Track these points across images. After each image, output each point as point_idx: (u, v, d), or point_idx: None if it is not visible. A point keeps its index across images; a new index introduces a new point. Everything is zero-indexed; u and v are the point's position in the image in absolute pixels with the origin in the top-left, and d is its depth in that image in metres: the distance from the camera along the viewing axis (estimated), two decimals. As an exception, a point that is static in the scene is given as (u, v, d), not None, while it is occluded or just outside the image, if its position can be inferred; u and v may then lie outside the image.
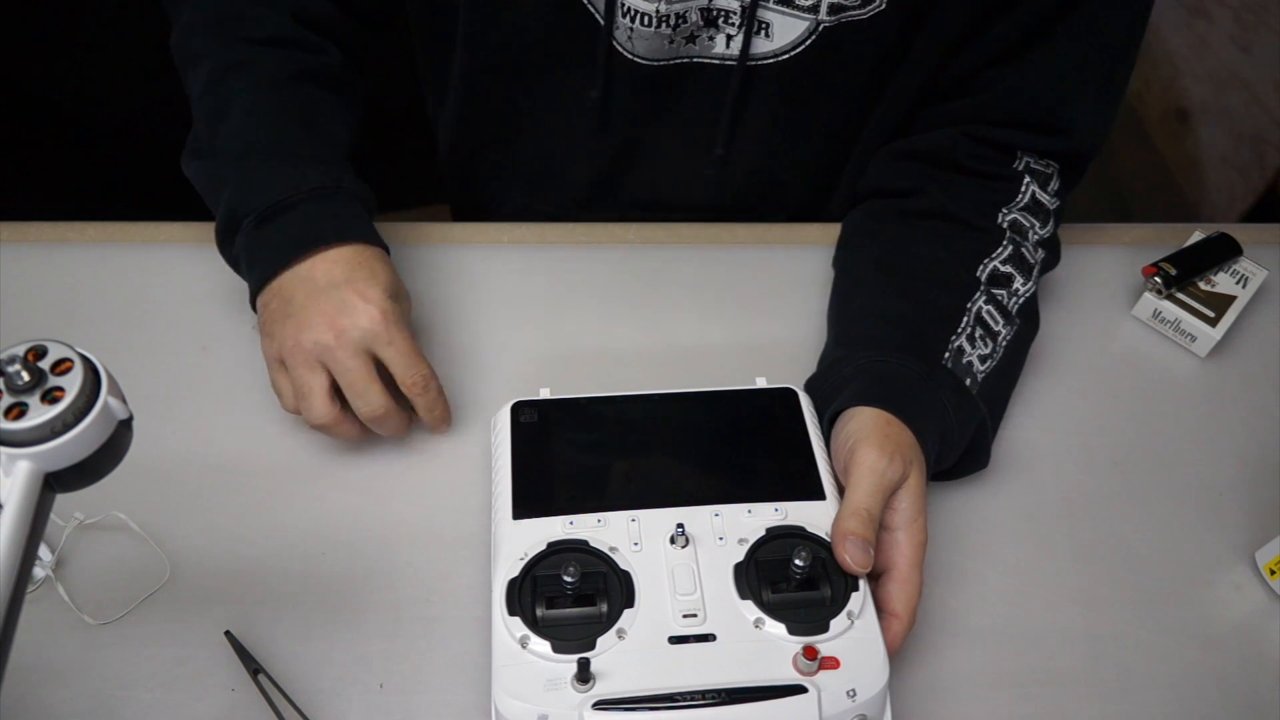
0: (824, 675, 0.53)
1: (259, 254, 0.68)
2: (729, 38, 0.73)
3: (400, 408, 0.67)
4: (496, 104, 0.83)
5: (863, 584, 0.57)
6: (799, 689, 0.52)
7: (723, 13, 0.71)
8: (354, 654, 0.62)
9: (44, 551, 0.64)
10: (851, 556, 0.56)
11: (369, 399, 0.65)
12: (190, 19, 0.75)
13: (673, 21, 0.71)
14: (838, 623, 0.55)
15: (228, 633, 0.62)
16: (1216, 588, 0.68)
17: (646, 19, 0.71)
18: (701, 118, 0.78)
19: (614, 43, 0.74)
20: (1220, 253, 0.81)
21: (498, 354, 0.76)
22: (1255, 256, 0.82)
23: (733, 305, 0.80)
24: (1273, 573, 0.67)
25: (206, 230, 0.82)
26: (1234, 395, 0.77)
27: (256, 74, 0.72)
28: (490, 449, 0.65)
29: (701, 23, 0.72)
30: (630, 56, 0.74)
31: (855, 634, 0.55)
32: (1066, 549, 0.69)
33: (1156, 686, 0.63)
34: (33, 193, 1.35)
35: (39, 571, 0.63)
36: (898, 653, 0.58)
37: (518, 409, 0.65)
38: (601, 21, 0.72)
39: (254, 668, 0.60)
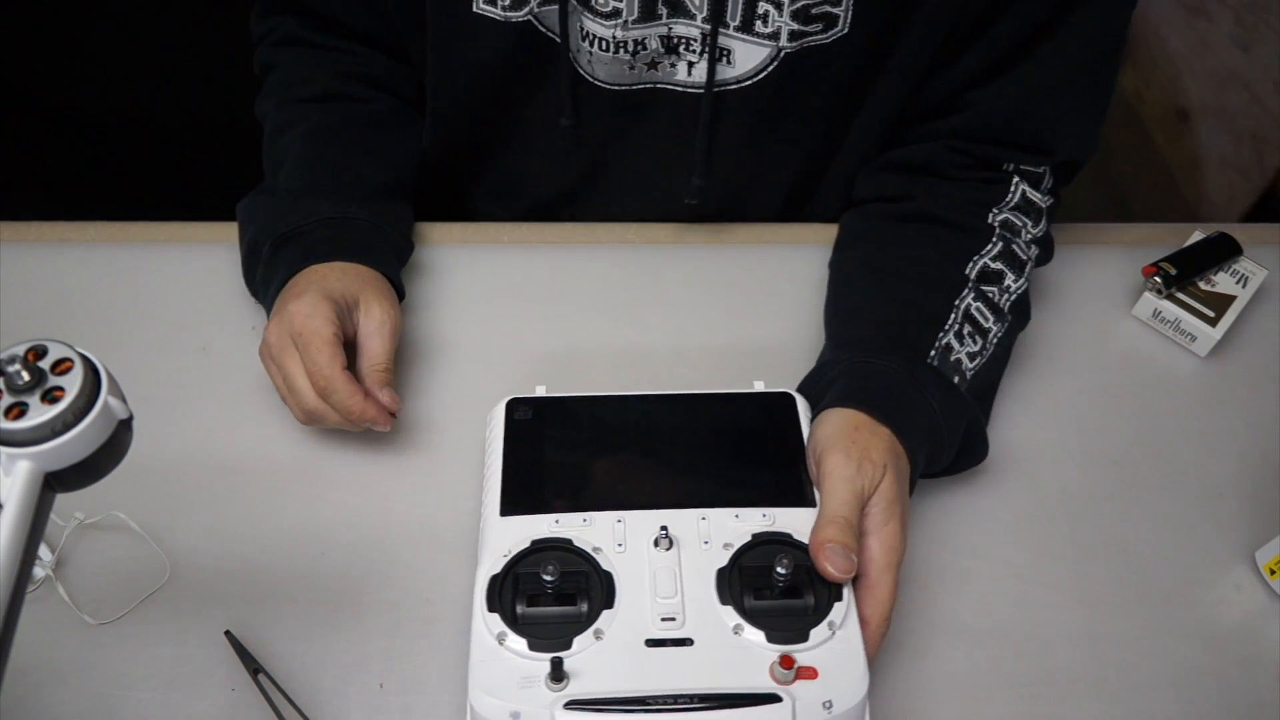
0: (800, 685, 0.52)
1: (272, 279, 0.71)
2: (690, 65, 0.72)
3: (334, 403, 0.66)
4: (466, 134, 0.83)
5: (846, 594, 0.56)
6: (773, 698, 0.51)
7: (683, 40, 0.71)
8: (354, 654, 0.62)
9: (44, 551, 0.64)
10: (833, 564, 0.55)
11: (299, 400, 0.66)
12: (267, 87, 0.83)
13: (631, 48, 0.71)
14: (818, 632, 0.54)
15: (228, 633, 0.62)
16: (1216, 588, 0.68)
17: (605, 44, 0.71)
18: (672, 143, 0.77)
19: (577, 67, 0.73)
20: (1220, 253, 0.81)
21: (497, 354, 0.76)
22: (1255, 256, 0.82)
23: (733, 306, 0.80)
24: (1273, 573, 0.67)
25: (206, 230, 0.82)
26: (1234, 395, 0.77)
27: (302, 128, 0.78)
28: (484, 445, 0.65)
29: (662, 49, 0.71)
30: (593, 81, 0.74)
31: (835, 645, 0.54)
32: (1066, 549, 0.69)
33: (1156, 686, 0.63)
34: (33, 193, 1.35)
35: (39, 571, 0.63)
36: (873, 662, 0.57)
37: (512, 406, 0.65)
38: (564, 47, 0.72)
39: (254, 668, 0.60)
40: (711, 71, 0.71)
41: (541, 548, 0.57)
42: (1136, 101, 2.00)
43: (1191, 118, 1.90)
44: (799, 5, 0.67)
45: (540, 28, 0.71)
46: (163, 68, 1.40)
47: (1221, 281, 0.80)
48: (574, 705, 0.51)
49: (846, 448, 0.60)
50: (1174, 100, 1.94)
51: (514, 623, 0.54)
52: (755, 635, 0.54)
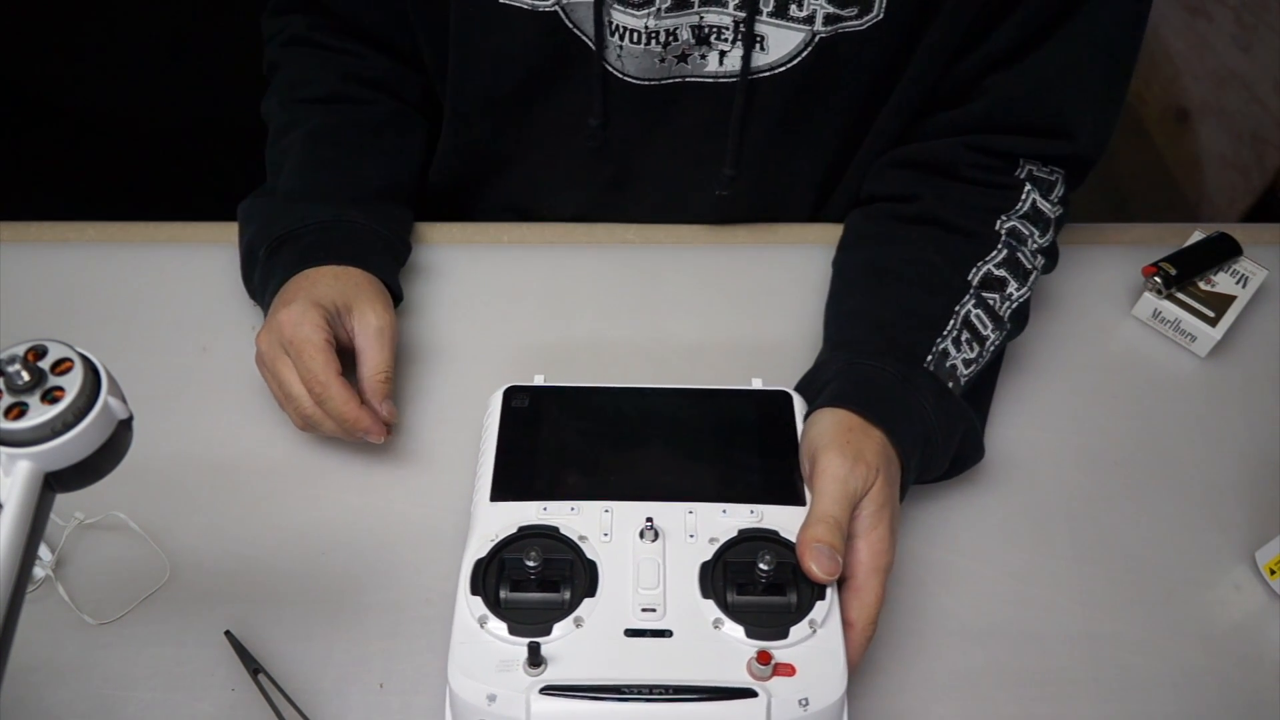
0: (777, 681, 0.52)
1: (269, 283, 0.72)
2: (722, 54, 0.72)
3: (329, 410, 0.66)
4: (485, 139, 0.82)
5: (830, 593, 0.56)
6: (749, 692, 0.51)
7: (714, 29, 0.70)
8: (354, 654, 0.62)
9: (44, 551, 0.64)
10: (818, 564, 0.55)
11: (296, 406, 0.66)
12: (272, 87, 0.83)
13: (662, 39, 0.70)
14: (798, 630, 0.54)
15: (228, 633, 0.62)
16: (1216, 588, 0.68)
17: (636, 36, 0.70)
18: (699, 138, 0.77)
19: (606, 64, 0.72)
20: (1220, 253, 0.81)
21: (497, 355, 0.76)
22: (1255, 256, 0.82)
23: (733, 305, 0.80)
24: (1273, 573, 0.67)
25: (206, 230, 0.82)
26: (1234, 395, 0.77)
27: (304, 130, 0.79)
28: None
29: (693, 40, 0.71)
30: (622, 77, 0.73)
31: (815, 643, 0.54)
32: (1066, 549, 0.69)
33: (1156, 686, 0.63)
34: (33, 193, 1.35)
35: (39, 571, 0.63)
36: (858, 665, 0.57)
37: (510, 393, 0.66)
38: (592, 46, 0.71)
39: (254, 668, 0.60)
40: (748, 58, 0.71)
41: (528, 534, 0.58)
42: (1136, 101, 2.00)
43: (1191, 118, 1.90)
44: None
45: (567, 22, 0.71)
46: (163, 68, 1.40)
47: (1221, 281, 0.80)
48: (549, 690, 0.51)
49: (841, 447, 0.59)
50: (1174, 100, 1.94)
51: (496, 607, 0.55)
52: (735, 630, 0.54)
